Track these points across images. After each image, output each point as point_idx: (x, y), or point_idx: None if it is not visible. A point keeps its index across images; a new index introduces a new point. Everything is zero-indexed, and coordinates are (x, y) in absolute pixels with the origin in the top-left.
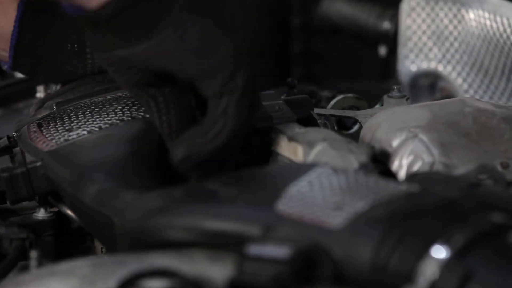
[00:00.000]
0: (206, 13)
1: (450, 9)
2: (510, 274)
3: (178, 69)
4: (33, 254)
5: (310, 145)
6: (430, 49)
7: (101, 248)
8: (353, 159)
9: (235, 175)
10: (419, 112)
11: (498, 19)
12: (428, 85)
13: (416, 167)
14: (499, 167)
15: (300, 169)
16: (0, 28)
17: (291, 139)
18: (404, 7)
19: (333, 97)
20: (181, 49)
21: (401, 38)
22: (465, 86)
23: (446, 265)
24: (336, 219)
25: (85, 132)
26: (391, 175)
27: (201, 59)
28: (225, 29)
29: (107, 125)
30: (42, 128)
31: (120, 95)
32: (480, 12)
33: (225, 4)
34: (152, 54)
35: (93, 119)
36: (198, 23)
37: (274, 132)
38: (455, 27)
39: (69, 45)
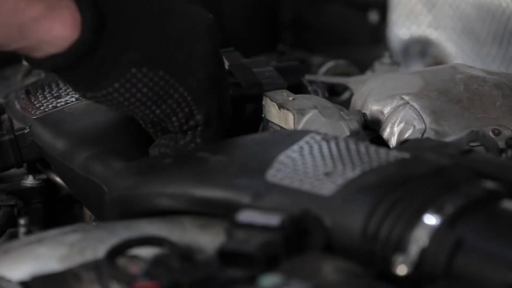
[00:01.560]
0: (157, 64)
1: None
2: (500, 241)
3: (133, 116)
4: (22, 221)
5: (300, 112)
6: (421, 15)
7: (90, 216)
8: (344, 126)
9: (225, 143)
10: (410, 79)
11: None
12: (420, 52)
13: (407, 134)
14: (490, 134)
15: (290, 137)
16: None
17: (281, 106)
18: None
19: (324, 64)
20: (130, 101)
21: (392, 3)
22: (456, 52)
23: (436, 233)
24: (327, 186)
25: (73, 99)
26: (382, 142)
27: (153, 108)
28: (178, 76)
29: None
30: (30, 95)
31: None
32: None
33: (181, 47)
34: (109, 101)
35: None
36: (148, 75)
37: (265, 100)
38: None
39: None
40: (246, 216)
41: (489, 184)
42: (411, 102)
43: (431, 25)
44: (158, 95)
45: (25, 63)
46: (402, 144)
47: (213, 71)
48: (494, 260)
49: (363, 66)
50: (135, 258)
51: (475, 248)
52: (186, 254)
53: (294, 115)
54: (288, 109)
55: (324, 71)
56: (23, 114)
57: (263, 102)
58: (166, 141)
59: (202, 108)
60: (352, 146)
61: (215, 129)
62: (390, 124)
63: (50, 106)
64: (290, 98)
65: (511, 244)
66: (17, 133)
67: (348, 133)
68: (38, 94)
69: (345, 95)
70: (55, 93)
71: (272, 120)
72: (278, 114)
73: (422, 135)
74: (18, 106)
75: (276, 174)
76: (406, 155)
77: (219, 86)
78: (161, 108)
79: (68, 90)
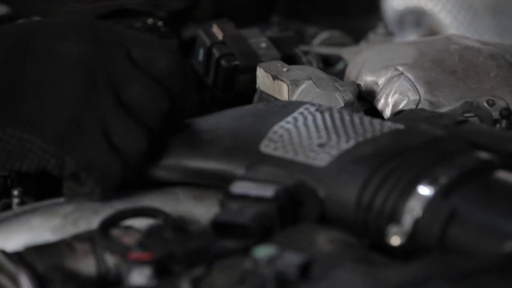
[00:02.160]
0: (3, 122)
1: None
2: (493, 211)
3: None
4: (15, 192)
5: (295, 83)
6: None
7: None
8: (339, 97)
9: (219, 113)
10: (404, 49)
11: None
12: (414, 22)
13: (401, 105)
14: (485, 105)
15: (285, 108)
16: None
17: (275, 77)
18: None
19: (318, 34)
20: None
21: None
22: (451, 22)
23: (430, 203)
24: (321, 158)
25: None
26: (377, 113)
27: (17, 166)
28: (31, 129)
29: None
30: None
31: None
32: None
33: (35, 95)
34: None
35: None
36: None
37: (259, 70)
38: None
39: None
40: (240, 187)
41: (483, 155)
42: (405, 73)
43: None
44: (15, 153)
45: None
46: (396, 115)
47: (82, 110)
48: (487, 230)
49: (357, 37)
50: (129, 229)
51: (469, 218)
52: (180, 225)
53: (288, 86)
54: (282, 80)
55: (318, 42)
56: None
57: (257, 73)
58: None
59: (74, 154)
60: (347, 117)
61: (107, 167)
62: (384, 95)
63: None
64: (285, 69)
65: (504, 214)
66: None
67: (342, 104)
68: None
69: (340, 65)
70: None
71: (266, 91)
72: (272, 85)
73: (417, 106)
74: None
75: (270, 145)
76: (400, 126)
77: (98, 120)
78: (26, 164)
79: None
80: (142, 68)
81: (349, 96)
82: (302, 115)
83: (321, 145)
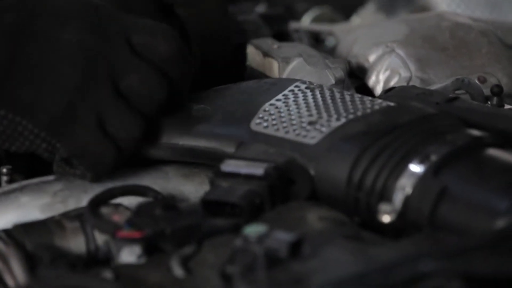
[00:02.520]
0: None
1: None
2: (484, 189)
3: None
4: (4, 169)
5: (285, 60)
6: None
7: None
8: (329, 74)
9: (209, 91)
10: (396, 26)
11: None
12: None
13: (392, 82)
14: (476, 82)
15: (275, 85)
16: None
17: (266, 54)
18: None
19: (309, 11)
20: None
21: None
22: None
23: (421, 181)
24: (312, 135)
25: None
26: (368, 91)
27: (6, 146)
28: (25, 113)
29: None
30: None
31: None
32: None
33: (30, 81)
34: None
35: None
36: None
37: (249, 48)
38: None
39: None
40: (230, 165)
41: (474, 132)
42: (396, 50)
43: None
44: (6, 134)
45: None
46: (387, 92)
47: (78, 98)
48: (478, 208)
49: (348, 13)
50: (118, 207)
51: (460, 195)
52: (170, 203)
53: (278, 64)
54: (272, 57)
55: (308, 18)
56: None
57: (248, 50)
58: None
59: (67, 141)
60: (337, 94)
61: (99, 155)
62: (375, 72)
63: None
64: (275, 46)
65: (495, 191)
66: None
67: (333, 81)
68: None
69: (330, 42)
70: None
71: (256, 69)
72: (262, 62)
73: (408, 83)
74: None
75: (260, 123)
76: (391, 103)
77: (94, 109)
78: (16, 146)
79: None
80: (142, 55)
81: (340, 74)
82: (292, 93)
83: (311, 123)
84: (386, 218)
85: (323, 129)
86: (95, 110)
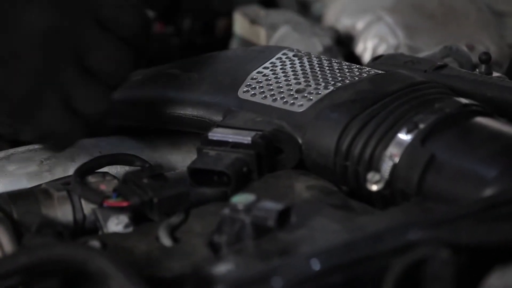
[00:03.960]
0: None
1: None
2: (471, 157)
3: None
4: None
5: (272, 28)
6: None
7: None
8: (317, 42)
9: (196, 59)
10: None
11: None
12: None
13: (380, 50)
14: (464, 49)
15: (262, 53)
16: None
17: (253, 21)
18: None
19: None
20: None
21: None
22: None
23: (409, 150)
24: (300, 103)
25: None
26: (356, 58)
27: None
28: None
29: None
30: None
31: None
32: None
33: None
34: None
35: None
36: None
37: (236, 15)
38: None
39: None
40: (217, 134)
41: (463, 100)
42: (384, 17)
43: None
44: None
45: None
46: (375, 60)
47: (42, 83)
48: (466, 177)
49: None
50: (105, 176)
51: (448, 164)
52: (156, 172)
53: (266, 31)
54: (260, 25)
55: None
56: None
57: (235, 18)
58: None
59: (32, 125)
60: (325, 62)
61: (64, 134)
62: (363, 40)
63: None
64: (262, 14)
65: (483, 159)
66: None
67: (321, 49)
68: None
69: (318, 10)
70: None
71: (243, 36)
72: (250, 30)
73: (396, 50)
74: None
75: (248, 90)
76: (379, 71)
77: (59, 90)
78: None
79: None
80: (109, 29)
81: (328, 41)
82: (280, 60)
83: (299, 91)
84: (374, 187)
85: (311, 97)
86: (60, 90)
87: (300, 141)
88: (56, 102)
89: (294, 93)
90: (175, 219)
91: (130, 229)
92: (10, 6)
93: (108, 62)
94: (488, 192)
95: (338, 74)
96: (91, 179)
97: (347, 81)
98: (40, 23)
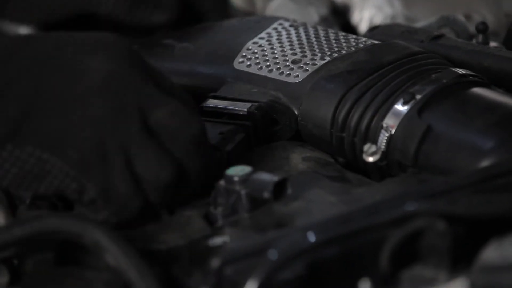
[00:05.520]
0: (24, 139)
1: None
2: (469, 128)
3: None
4: None
5: None
6: None
7: None
8: (313, 12)
9: (191, 30)
10: None
11: None
12: None
13: (377, 20)
14: (461, 19)
15: (258, 24)
16: None
17: None
18: None
19: None
20: (2, 184)
21: None
22: None
23: (405, 121)
24: (296, 74)
25: None
26: (352, 29)
27: (33, 187)
28: (54, 149)
29: None
30: None
31: None
32: None
33: (59, 114)
34: None
35: None
36: (14, 154)
37: None
38: None
39: None
40: (213, 104)
41: (459, 70)
42: None
43: None
44: (33, 174)
45: None
46: (372, 30)
47: (107, 134)
48: (463, 148)
49: None
50: None
51: (444, 135)
52: None
53: (261, 1)
54: None
55: None
56: None
57: None
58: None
59: (97, 180)
60: (321, 32)
61: (126, 198)
62: (359, 9)
63: None
64: None
65: (480, 130)
66: None
67: (317, 19)
68: None
69: None
70: None
71: (238, 6)
72: (245, 0)
73: (393, 20)
74: None
75: (243, 61)
76: (376, 41)
77: (123, 146)
78: (44, 186)
79: None
80: (169, 92)
81: (324, 11)
82: (276, 31)
83: (295, 62)
84: (370, 159)
85: (307, 67)
86: (124, 147)
87: (296, 112)
88: (119, 158)
89: (290, 64)
90: None
91: None
92: (75, 56)
93: (171, 120)
94: (485, 163)
95: (335, 45)
96: None
97: (344, 52)
98: (105, 70)
